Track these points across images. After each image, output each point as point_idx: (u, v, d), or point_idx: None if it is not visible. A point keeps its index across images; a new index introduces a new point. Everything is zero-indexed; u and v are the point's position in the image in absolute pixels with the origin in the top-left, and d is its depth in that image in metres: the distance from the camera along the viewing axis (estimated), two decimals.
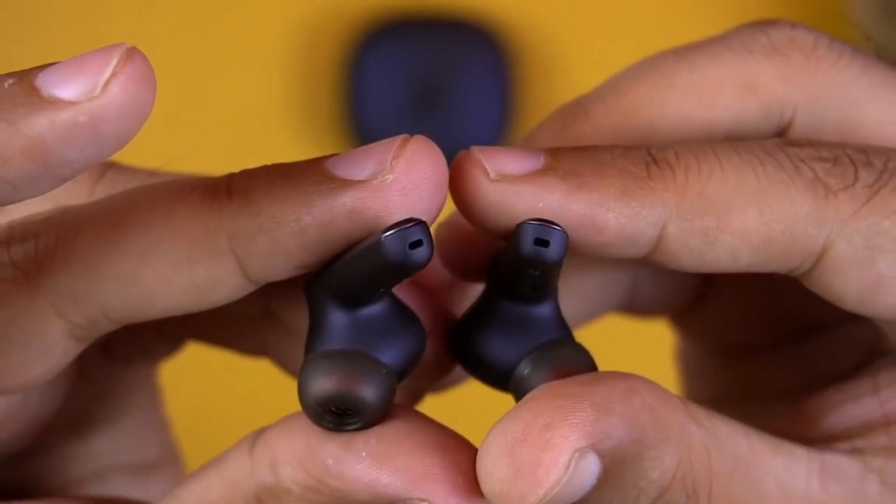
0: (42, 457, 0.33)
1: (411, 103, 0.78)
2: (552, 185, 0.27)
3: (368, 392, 0.27)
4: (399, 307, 0.28)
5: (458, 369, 0.31)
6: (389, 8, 0.78)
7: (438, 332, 0.30)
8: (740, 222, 0.28)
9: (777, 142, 0.29)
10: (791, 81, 0.30)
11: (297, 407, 0.28)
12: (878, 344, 0.32)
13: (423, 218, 0.27)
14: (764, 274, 0.31)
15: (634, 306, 0.36)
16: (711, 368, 0.37)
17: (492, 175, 0.28)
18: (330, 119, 0.79)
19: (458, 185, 0.28)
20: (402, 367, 0.28)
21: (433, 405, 0.31)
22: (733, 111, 0.30)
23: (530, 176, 0.28)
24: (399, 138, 0.27)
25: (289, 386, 0.29)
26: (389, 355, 0.28)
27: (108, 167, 0.31)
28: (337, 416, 0.27)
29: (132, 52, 0.25)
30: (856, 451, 0.29)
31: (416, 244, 0.26)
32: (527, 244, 0.27)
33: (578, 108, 0.31)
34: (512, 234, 0.27)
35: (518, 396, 0.29)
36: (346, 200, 0.27)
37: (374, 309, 0.28)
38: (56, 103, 0.25)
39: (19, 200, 0.26)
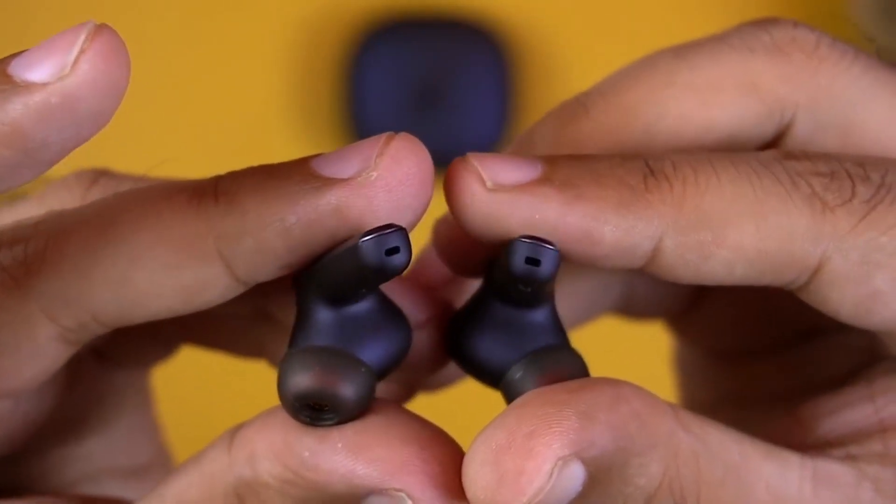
0: (35, 459, 0.33)
1: (411, 103, 0.78)
2: (549, 196, 0.27)
3: (346, 390, 0.27)
4: (386, 305, 0.28)
5: (453, 368, 0.31)
6: (389, 8, 0.78)
7: (436, 325, 0.30)
8: (736, 237, 0.28)
9: (774, 154, 0.29)
10: (792, 81, 0.30)
11: None
12: (875, 349, 0.32)
13: (409, 215, 0.27)
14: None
15: (631, 308, 0.36)
16: (708, 372, 0.37)
17: (488, 184, 0.27)
18: (330, 119, 0.79)
19: (453, 193, 0.28)
20: (383, 366, 0.28)
21: (427, 405, 0.31)
22: (734, 110, 0.30)
23: (527, 186, 0.27)
24: (384, 136, 0.27)
25: None
26: (371, 354, 0.28)
27: (101, 174, 0.31)
28: (314, 411, 0.27)
29: (100, 28, 0.25)
30: (850, 458, 0.29)
31: (392, 251, 0.26)
32: (518, 262, 0.27)
33: (578, 105, 0.31)
34: (504, 249, 0.27)
35: (508, 400, 0.28)
36: (331, 199, 0.27)
37: (360, 307, 0.28)
38: (29, 87, 0.25)
39: (5, 190, 0.26)
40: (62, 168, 0.32)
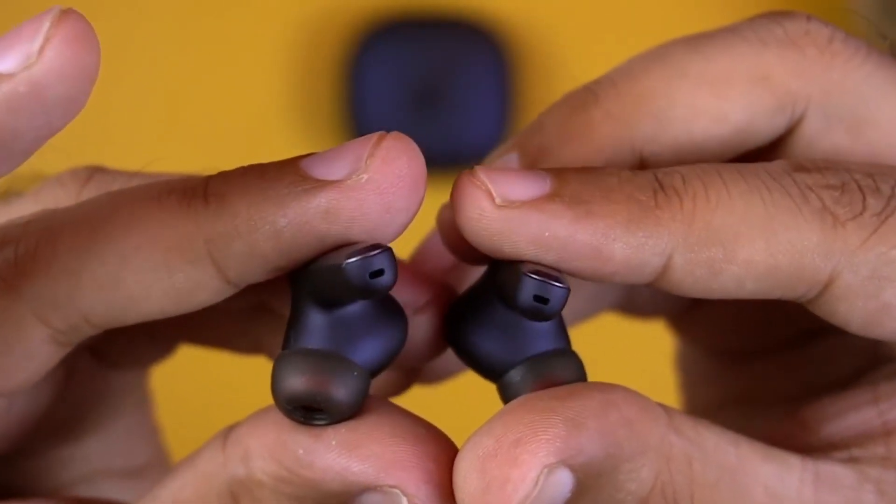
0: (31, 459, 0.33)
1: (411, 103, 0.78)
2: (558, 213, 0.27)
3: (338, 393, 0.27)
4: (380, 303, 0.28)
5: (451, 361, 0.31)
6: (389, 8, 0.78)
7: (435, 309, 0.30)
8: (747, 253, 0.27)
9: (784, 166, 0.28)
10: (805, 75, 0.30)
11: None
12: (879, 351, 0.32)
13: (400, 217, 0.27)
14: None
15: (633, 307, 0.36)
16: (711, 373, 0.37)
17: (497, 200, 0.27)
18: (330, 119, 0.79)
19: (461, 208, 0.27)
20: (378, 365, 0.28)
21: (423, 403, 0.31)
22: (746, 103, 0.30)
23: (536, 202, 0.27)
24: (375, 136, 0.27)
25: None
26: (365, 354, 0.28)
27: (95, 171, 0.31)
28: (307, 411, 0.27)
29: (65, 14, 0.25)
30: (852, 461, 0.29)
31: (377, 273, 0.26)
32: (526, 299, 0.27)
33: (588, 93, 0.31)
34: (511, 276, 0.27)
35: (505, 401, 0.28)
36: (321, 202, 0.27)
37: (354, 308, 0.28)
38: None
39: None
40: (59, 166, 0.32)
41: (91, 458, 0.34)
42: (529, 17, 0.79)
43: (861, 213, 0.28)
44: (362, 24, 0.78)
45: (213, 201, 0.27)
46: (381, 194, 0.27)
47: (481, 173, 0.27)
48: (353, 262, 0.26)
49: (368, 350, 0.28)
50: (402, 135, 0.27)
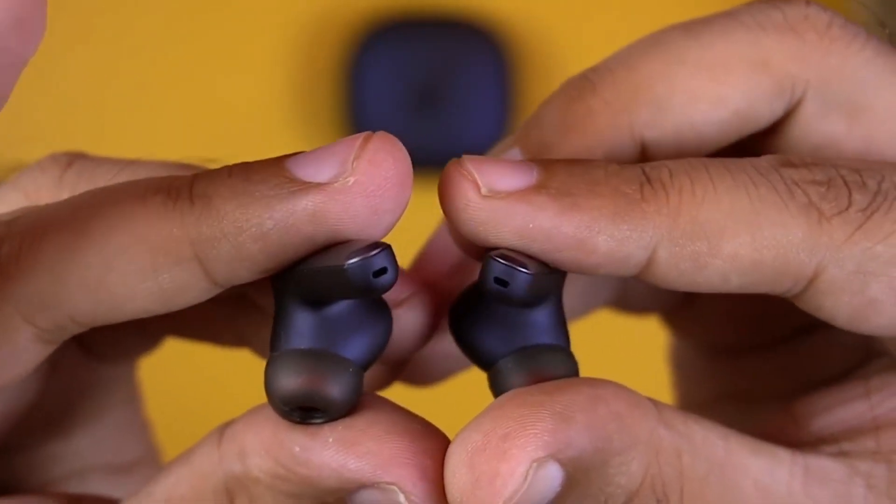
0: (20, 455, 0.33)
1: (411, 103, 0.78)
2: (543, 205, 0.27)
3: (334, 391, 0.27)
4: (365, 299, 0.28)
5: (444, 361, 0.31)
6: (389, 8, 0.78)
7: (418, 300, 0.30)
8: (732, 247, 0.27)
9: (771, 161, 0.28)
10: (803, 60, 0.30)
11: None
12: (871, 346, 0.32)
13: (387, 218, 0.27)
14: None
15: (626, 303, 0.36)
16: (704, 369, 0.37)
17: (483, 190, 0.27)
18: (330, 119, 0.79)
19: (447, 198, 0.27)
20: (368, 359, 0.28)
21: (419, 402, 0.31)
22: (745, 88, 0.30)
23: (522, 193, 0.27)
24: (360, 136, 0.27)
25: None
26: (355, 350, 0.28)
27: (76, 157, 0.31)
28: (304, 411, 0.27)
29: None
30: (843, 455, 0.29)
31: (379, 272, 0.26)
32: (488, 281, 0.27)
33: (586, 81, 0.30)
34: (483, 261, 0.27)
35: (495, 393, 0.28)
36: (307, 204, 0.27)
37: (340, 305, 0.27)
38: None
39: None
40: (38, 152, 0.32)
41: (80, 453, 0.34)
42: (529, 17, 0.79)
43: (847, 209, 0.28)
44: (362, 24, 0.78)
45: (199, 202, 0.27)
46: (367, 196, 0.27)
47: (468, 163, 0.27)
48: (354, 263, 0.26)
49: (359, 346, 0.28)
50: (388, 135, 0.27)
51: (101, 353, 0.34)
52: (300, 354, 0.27)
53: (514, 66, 0.78)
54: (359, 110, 0.78)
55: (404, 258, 0.33)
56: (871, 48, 0.30)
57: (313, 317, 0.27)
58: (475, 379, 0.30)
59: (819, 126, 0.30)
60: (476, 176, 0.27)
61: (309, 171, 0.27)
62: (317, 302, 0.27)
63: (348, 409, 0.27)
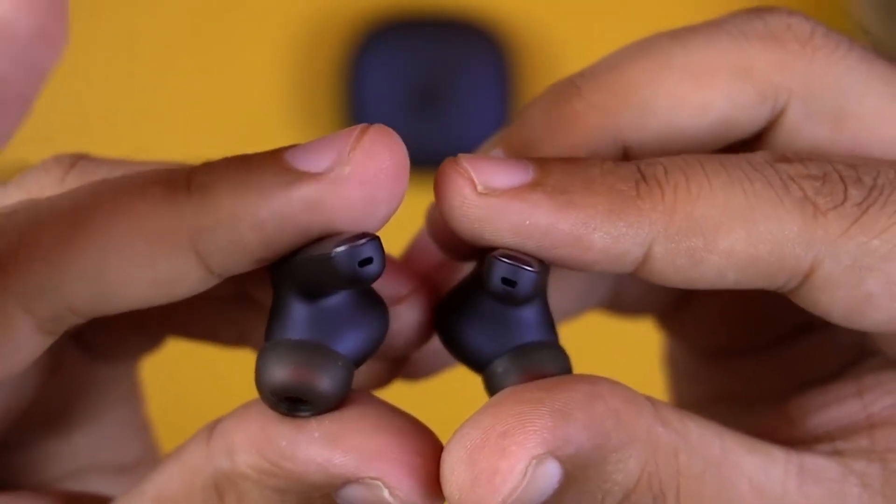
0: (19, 453, 0.33)
1: (411, 103, 0.78)
2: (539, 203, 0.27)
3: (322, 384, 0.27)
4: (362, 293, 0.28)
5: (436, 355, 0.31)
6: (389, 8, 0.78)
7: (417, 299, 0.30)
8: (727, 243, 0.27)
9: (766, 157, 0.28)
10: (786, 68, 0.30)
11: None
12: (865, 346, 0.32)
13: (383, 209, 0.27)
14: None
15: (620, 305, 0.36)
16: (698, 371, 0.37)
17: (479, 188, 0.27)
18: (330, 119, 0.79)
19: (443, 196, 0.28)
20: (361, 355, 0.28)
21: (410, 399, 0.31)
22: (728, 94, 0.30)
23: (518, 191, 0.27)
24: (358, 128, 0.27)
25: None
26: (348, 345, 0.28)
27: (79, 158, 0.31)
28: (292, 402, 0.27)
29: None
30: (837, 453, 0.29)
31: (365, 261, 0.26)
32: (495, 281, 0.27)
33: (571, 85, 0.31)
34: (483, 262, 0.27)
35: (490, 392, 0.29)
36: (304, 194, 0.27)
37: (336, 298, 0.28)
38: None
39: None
40: (41, 153, 0.32)
41: (80, 452, 0.34)
42: (529, 17, 0.79)
43: (842, 203, 0.28)
44: (362, 24, 0.78)
45: (197, 193, 0.27)
46: (363, 186, 0.27)
47: (464, 161, 0.28)
48: (341, 251, 0.26)
49: (352, 340, 0.28)
50: (385, 127, 0.27)
51: (102, 352, 0.34)
52: (291, 345, 0.27)
53: (514, 66, 0.78)
54: (359, 110, 0.78)
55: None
56: (854, 55, 0.30)
57: (307, 309, 0.28)
58: (463, 377, 0.30)
59: (804, 134, 0.30)
60: (472, 173, 0.27)
61: (306, 162, 0.27)
62: (312, 294, 0.28)
63: (336, 403, 0.27)
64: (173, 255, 0.27)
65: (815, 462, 0.29)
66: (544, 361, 0.28)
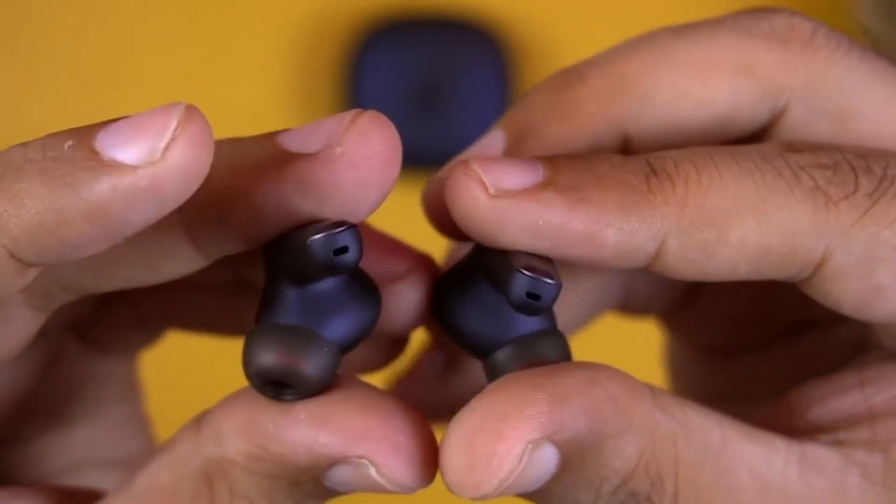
0: (20, 447, 0.34)
1: (411, 103, 0.78)
2: (552, 202, 0.27)
3: (307, 368, 0.27)
4: (354, 278, 0.28)
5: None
6: (389, 8, 0.78)
7: (415, 276, 0.30)
8: (739, 234, 0.27)
9: (776, 147, 0.29)
10: (789, 67, 0.30)
11: None
12: (866, 340, 0.32)
13: (373, 192, 0.27)
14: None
15: (627, 306, 0.36)
16: (699, 368, 0.37)
17: (491, 190, 0.27)
18: None
19: (455, 199, 0.27)
20: (349, 340, 0.28)
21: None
22: (729, 90, 0.30)
23: (530, 191, 0.27)
24: (351, 113, 0.27)
25: None
26: (336, 330, 0.28)
27: None
28: (278, 386, 0.27)
29: (190, 113, 0.25)
30: (838, 444, 0.29)
31: (341, 250, 0.26)
32: (518, 294, 0.27)
33: (575, 73, 0.31)
34: (503, 266, 0.27)
35: (490, 381, 0.29)
36: (295, 174, 0.27)
37: (326, 283, 0.28)
38: (117, 168, 0.25)
39: (76, 258, 0.26)
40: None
41: (79, 446, 0.34)
42: (529, 17, 0.79)
43: (853, 193, 0.28)
44: (362, 23, 0.78)
45: None
46: (354, 168, 0.27)
47: (474, 163, 0.27)
48: (317, 238, 0.26)
49: (340, 326, 0.28)
50: (378, 113, 0.27)
51: (101, 345, 0.34)
52: (278, 329, 0.28)
53: (514, 66, 0.78)
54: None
55: None
56: (854, 56, 0.30)
57: (297, 293, 0.28)
58: None
59: (806, 132, 0.30)
60: (482, 176, 0.27)
61: (298, 143, 0.27)
62: (301, 279, 0.28)
63: (321, 387, 0.28)
64: (162, 232, 0.27)
65: (817, 452, 0.29)
66: (545, 350, 0.29)
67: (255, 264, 0.30)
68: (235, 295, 0.32)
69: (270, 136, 0.28)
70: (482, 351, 0.29)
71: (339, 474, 0.27)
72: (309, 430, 0.27)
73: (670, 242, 0.27)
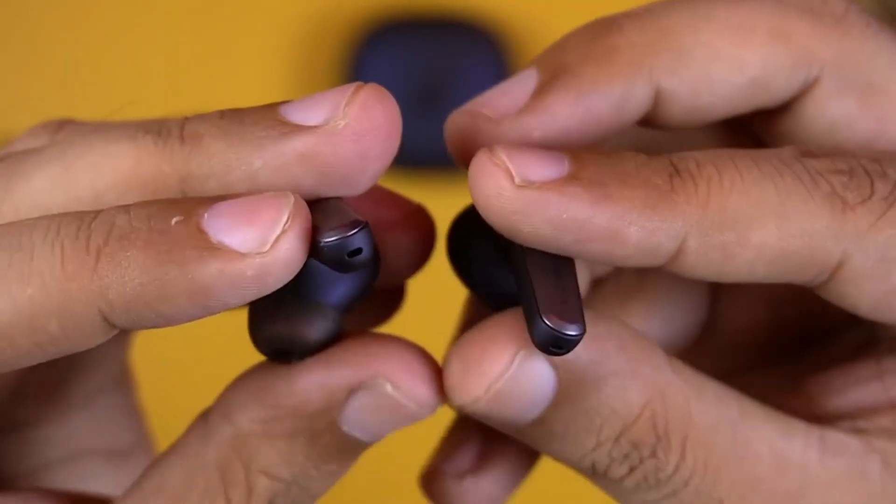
0: (14, 437, 0.33)
1: (411, 103, 0.78)
2: (577, 196, 0.27)
3: (311, 333, 0.28)
4: None
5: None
6: (389, 8, 0.78)
7: (411, 222, 0.31)
8: (759, 237, 0.28)
9: (794, 152, 0.29)
10: (822, 38, 0.30)
11: None
12: (873, 335, 0.32)
13: (375, 164, 0.27)
14: (766, 294, 0.31)
15: None
16: None
17: (517, 180, 0.27)
18: None
19: (479, 186, 0.27)
20: (350, 302, 0.28)
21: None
22: (763, 55, 0.30)
23: (555, 184, 0.27)
24: (353, 85, 0.27)
25: None
26: (337, 296, 0.28)
27: (65, 122, 0.31)
28: (282, 352, 0.28)
29: (299, 207, 0.26)
30: (858, 431, 0.29)
31: (355, 252, 0.26)
32: (541, 344, 0.27)
33: (613, 22, 0.31)
34: (526, 302, 0.27)
35: None
36: (298, 145, 0.27)
37: None
38: (226, 253, 0.25)
39: (162, 326, 0.26)
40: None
41: (74, 437, 0.34)
42: (529, 17, 0.79)
43: (870, 197, 0.28)
44: (362, 23, 0.78)
45: (189, 140, 0.27)
46: (357, 141, 0.27)
47: (501, 152, 0.27)
48: (330, 242, 0.26)
49: (341, 291, 0.28)
50: (379, 86, 0.27)
51: None
52: (280, 298, 0.28)
53: (514, 66, 0.78)
54: None
55: None
56: (884, 36, 0.30)
57: None
58: None
59: (834, 105, 0.30)
60: (509, 165, 0.27)
61: (300, 115, 0.27)
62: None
63: (324, 348, 0.28)
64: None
65: (836, 437, 0.29)
66: None
67: None
68: None
69: (272, 107, 0.28)
70: (500, 304, 0.29)
71: (356, 408, 0.27)
72: (319, 370, 0.27)
73: (691, 242, 0.28)
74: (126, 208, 0.26)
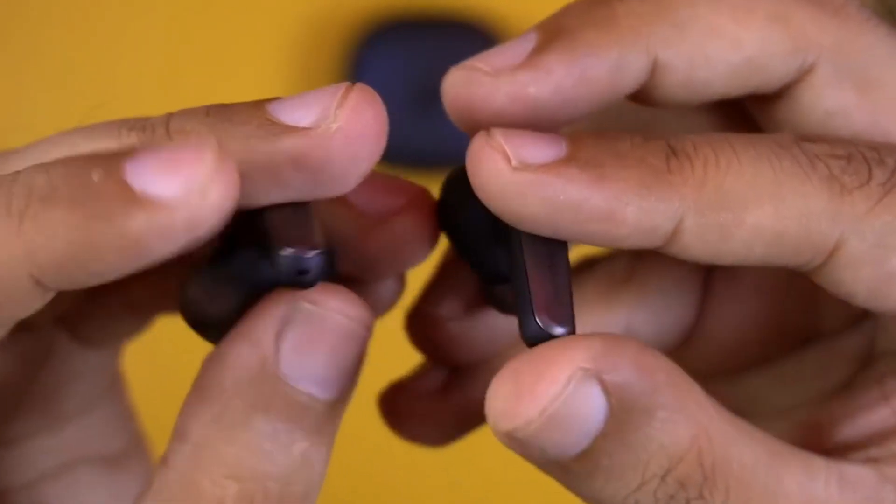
0: (9, 448, 0.33)
1: (411, 103, 0.78)
2: (573, 178, 0.27)
3: (229, 303, 0.28)
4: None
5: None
6: (389, 8, 0.78)
7: (414, 210, 0.31)
8: (755, 218, 0.28)
9: (791, 136, 0.29)
10: (821, 25, 0.30)
11: None
12: (872, 349, 0.32)
13: (363, 165, 0.27)
14: (758, 293, 0.31)
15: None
16: (707, 392, 0.37)
17: (514, 163, 0.27)
18: None
19: (477, 169, 0.27)
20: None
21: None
22: (762, 35, 0.30)
23: (552, 166, 0.27)
24: (342, 86, 0.27)
25: None
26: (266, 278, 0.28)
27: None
28: (203, 323, 0.28)
29: (222, 152, 0.25)
30: (871, 461, 0.29)
31: (304, 272, 0.27)
32: (528, 340, 0.27)
33: None
34: (520, 301, 0.28)
35: (494, 303, 0.30)
36: (289, 147, 0.27)
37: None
38: (152, 203, 0.25)
39: (97, 283, 0.26)
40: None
41: (70, 445, 0.34)
42: (529, 17, 0.79)
43: (867, 182, 0.28)
44: (363, 23, 0.78)
45: (176, 138, 0.27)
46: (349, 143, 0.27)
47: (498, 135, 0.27)
48: (287, 255, 0.27)
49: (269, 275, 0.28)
50: (367, 87, 0.27)
51: (91, 337, 0.33)
52: (214, 270, 0.28)
53: None
54: None
55: None
56: (883, 29, 0.30)
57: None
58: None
59: (830, 94, 0.30)
60: (506, 148, 0.27)
61: (290, 115, 0.27)
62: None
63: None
64: None
65: (853, 471, 0.29)
66: None
67: None
68: None
69: (260, 105, 0.27)
70: (492, 280, 0.29)
71: (290, 349, 0.27)
72: (242, 328, 0.27)
73: (687, 223, 0.28)
74: (45, 167, 0.26)
